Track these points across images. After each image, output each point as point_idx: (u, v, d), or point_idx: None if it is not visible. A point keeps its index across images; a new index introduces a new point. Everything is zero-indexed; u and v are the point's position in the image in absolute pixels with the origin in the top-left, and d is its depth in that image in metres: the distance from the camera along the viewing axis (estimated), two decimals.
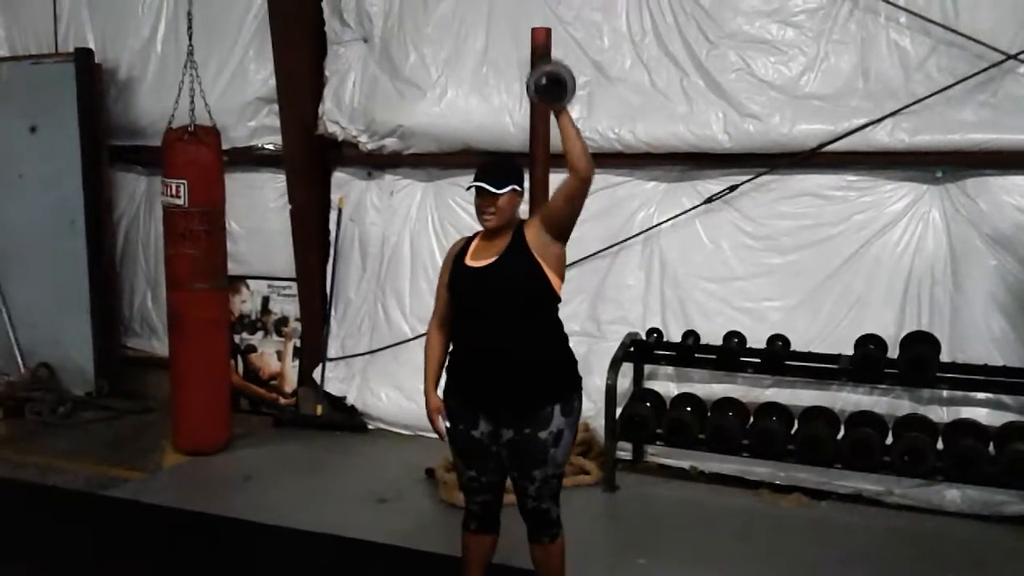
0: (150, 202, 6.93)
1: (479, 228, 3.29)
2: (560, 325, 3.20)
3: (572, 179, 2.97)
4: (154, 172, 6.49)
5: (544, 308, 3.14)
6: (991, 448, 4.45)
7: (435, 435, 3.35)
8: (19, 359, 7.00)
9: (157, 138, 5.73)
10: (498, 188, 3.10)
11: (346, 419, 6.18)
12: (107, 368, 6.88)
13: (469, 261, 3.20)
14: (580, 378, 3.28)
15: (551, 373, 3.16)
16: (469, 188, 3.16)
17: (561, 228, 3.10)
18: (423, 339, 3.46)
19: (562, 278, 3.16)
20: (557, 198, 3.10)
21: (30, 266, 6.90)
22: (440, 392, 3.32)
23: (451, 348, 3.28)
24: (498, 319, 3.09)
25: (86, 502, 4.89)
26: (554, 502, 3.25)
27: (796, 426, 4.84)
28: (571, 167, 2.95)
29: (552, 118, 3.10)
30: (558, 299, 3.17)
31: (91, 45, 6.92)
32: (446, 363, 3.30)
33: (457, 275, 3.21)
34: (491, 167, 3.18)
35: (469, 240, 3.31)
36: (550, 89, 2.94)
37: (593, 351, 5.49)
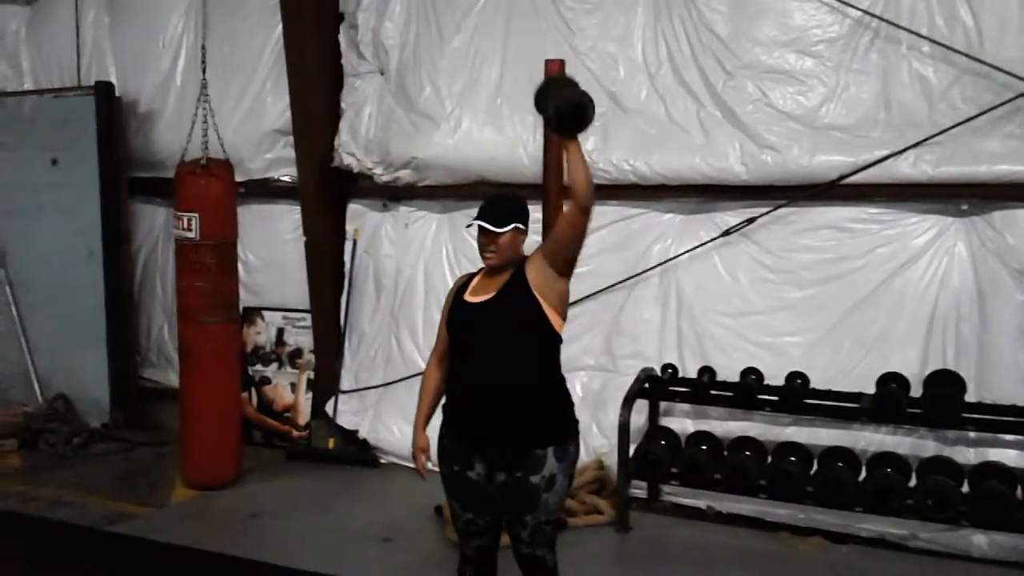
0: (168, 233, 6.94)
1: None
2: (558, 365, 3.10)
3: (573, 208, 2.88)
4: (173, 204, 6.50)
5: (541, 347, 3.05)
6: (1020, 492, 4.25)
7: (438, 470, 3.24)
8: (37, 389, 7.01)
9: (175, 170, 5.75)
10: (499, 227, 3.03)
11: (358, 453, 6.10)
12: (123, 399, 6.87)
13: (468, 297, 3.12)
14: (576, 421, 3.17)
15: (545, 415, 3.06)
16: (469, 226, 3.08)
17: (564, 262, 3.01)
18: None
19: (564, 317, 3.06)
20: (558, 230, 3.02)
21: (49, 296, 6.93)
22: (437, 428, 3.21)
23: (448, 386, 3.19)
24: (491, 357, 3.00)
25: (91, 538, 4.84)
26: (549, 550, 3.13)
27: (816, 466, 4.68)
28: (573, 194, 2.85)
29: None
30: (558, 338, 3.07)
31: (112, 78, 7.02)
32: (443, 402, 3.21)
33: (456, 311, 3.14)
34: (494, 204, 3.10)
35: (472, 276, 3.24)
36: (573, 116, 2.80)
37: (608, 386, 5.39)
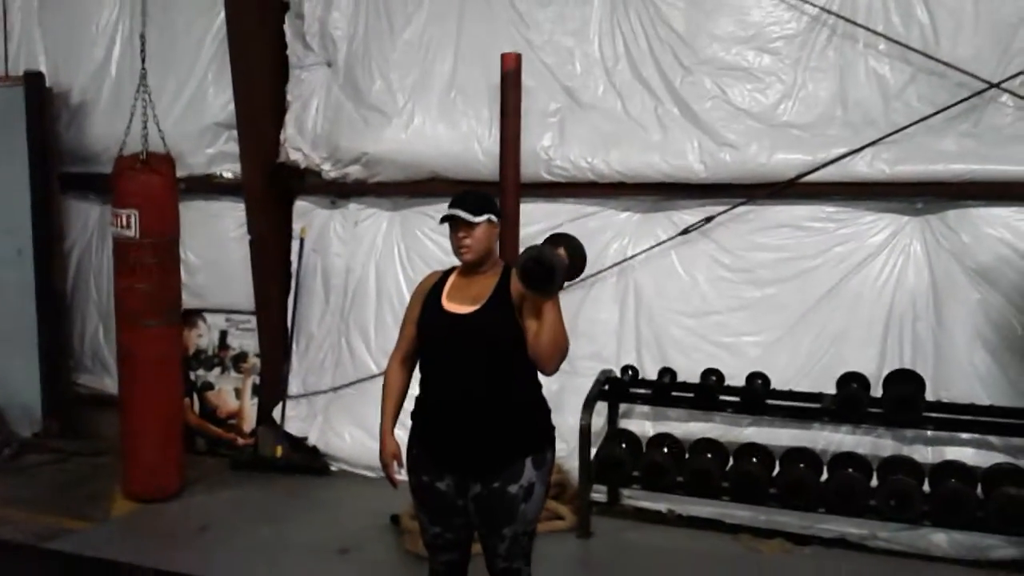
0: (103, 231, 6.62)
1: (451, 261, 3.10)
2: (534, 372, 2.98)
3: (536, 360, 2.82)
4: (108, 200, 6.15)
5: (521, 359, 2.90)
6: (979, 491, 4.28)
7: (402, 477, 3.11)
8: None
9: (111, 165, 5.44)
10: (474, 215, 2.90)
11: (307, 461, 5.89)
12: (56, 407, 6.55)
13: (447, 303, 2.98)
14: (553, 427, 3.08)
15: (523, 423, 2.96)
16: (443, 221, 2.95)
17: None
18: None
19: None
20: (529, 332, 2.84)
21: None
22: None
23: (418, 393, 3.05)
24: (473, 370, 2.88)
25: (26, 556, 4.57)
26: (525, 562, 3.03)
27: (777, 468, 4.65)
28: (537, 360, 2.80)
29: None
30: None
31: (42, 68, 6.65)
32: (413, 409, 3.07)
33: (431, 317, 2.99)
34: (464, 197, 2.99)
35: (445, 276, 3.08)
36: (534, 272, 2.67)
37: (566, 388, 5.27)
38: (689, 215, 5.14)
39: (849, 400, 4.50)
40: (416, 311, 3.05)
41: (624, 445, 4.91)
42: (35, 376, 6.48)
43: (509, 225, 4.88)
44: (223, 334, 6.38)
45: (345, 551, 4.60)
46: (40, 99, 6.39)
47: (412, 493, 3.06)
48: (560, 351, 2.77)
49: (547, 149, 5.28)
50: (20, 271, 6.44)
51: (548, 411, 3.06)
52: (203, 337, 6.42)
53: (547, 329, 2.73)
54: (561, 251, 2.81)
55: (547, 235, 2.97)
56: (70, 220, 6.80)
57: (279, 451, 5.92)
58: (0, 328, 6.49)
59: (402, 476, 3.13)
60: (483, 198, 3.02)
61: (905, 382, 4.46)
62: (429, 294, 3.04)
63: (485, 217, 2.94)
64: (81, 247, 6.84)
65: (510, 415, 2.91)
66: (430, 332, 2.99)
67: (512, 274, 2.93)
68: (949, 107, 4.58)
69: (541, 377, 2.97)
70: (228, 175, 6.28)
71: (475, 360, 2.88)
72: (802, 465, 4.55)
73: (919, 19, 4.68)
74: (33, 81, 6.38)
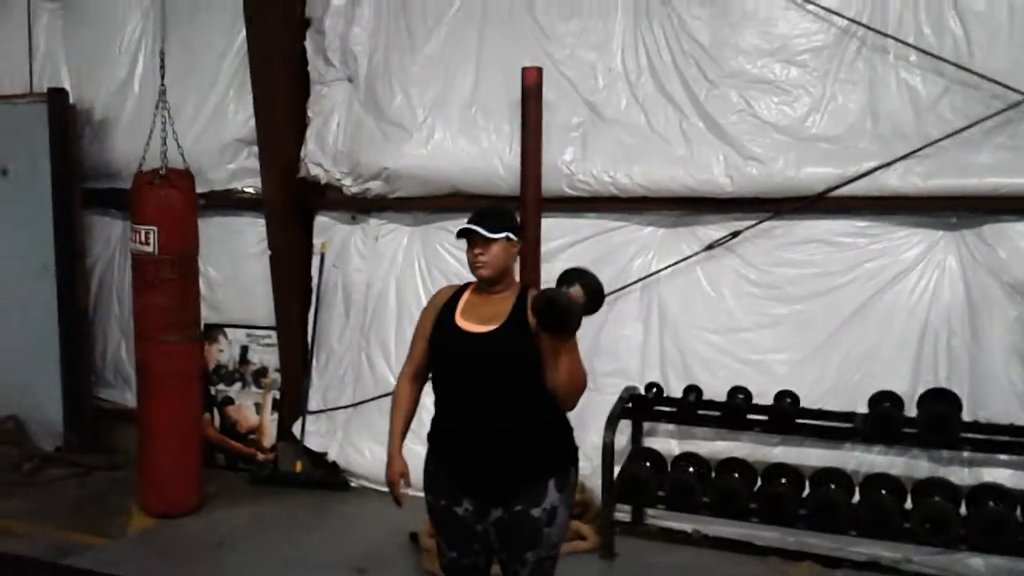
0: (126, 247, 6.56)
1: (468, 277, 3.01)
2: None
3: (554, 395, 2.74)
4: (130, 216, 6.22)
5: (540, 378, 2.80)
6: (1019, 513, 4.13)
7: (420, 494, 3.02)
8: None
9: None
10: (491, 232, 2.82)
11: (327, 476, 5.82)
12: (78, 421, 6.53)
13: (461, 320, 2.89)
14: (576, 448, 2.98)
15: (544, 443, 2.86)
16: (460, 235, 2.87)
17: None
18: None
19: None
20: (546, 366, 2.73)
21: (1, 312, 6.58)
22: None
23: (434, 414, 2.96)
24: (490, 390, 2.79)
25: (41, 572, 4.53)
26: None
27: (807, 488, 4.52)
28: (555, 394, 2.72)
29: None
30: None
31: (66, 85, 6.69)
32: (429, 431, 2.98)
33: (445, 334, 2.90)
34: (484, 213, 2.91)
35: (459, 291, 3.00)
36: (545, 311, 2.58)
37: (589, 405, 5.08)
38: (715, 230, 5.04)
39: (882, 419, 4.38)
40: (428, 327, 2.97)
41: (648, 464, 4.81)
42: (57, 390, 6.47)
43: (530, 241, 4.81)
44: (244, 349, 6.35)
45: (362, 570, 4.52)
46: (63, 115, 6.40)
47: (429, 514, 2.98)
48: (577, 390, 2.70)
49: (569, 164, 5.21)
50: (44, 287, 6.44)
51: (570, 430, 2.97)
52: (224, 352, 6.39)
53: (563, 370, 2.65)
54: (577, 289, 2.68)
55: (564, 270, 2.83)
56: (93, 236, 6.80)
57: (299, 466, 5.87)
58: (24, 343, 6.50)
59: (416, 493, 3.04)
60: (503, 215, 2.93)
61: (940, 401, 4.33)
62: (442, 310, 2.95)
63: (503, 234, 2.85)
64: (104, 263, 6.85)
65: (529, 436, 2.82)
66: (444, 350, 2.91)
67: (530, 293, 2.85)
68: (984, 120, 4.45)
69: None
70: (249, 190, 6.26)
71: (492, 380, 2.79)
72: (832, 486, 4.42)
73: (952, 30, 4.56)
74: (56, 97, 6.41)
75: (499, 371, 2.79)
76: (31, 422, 6.53)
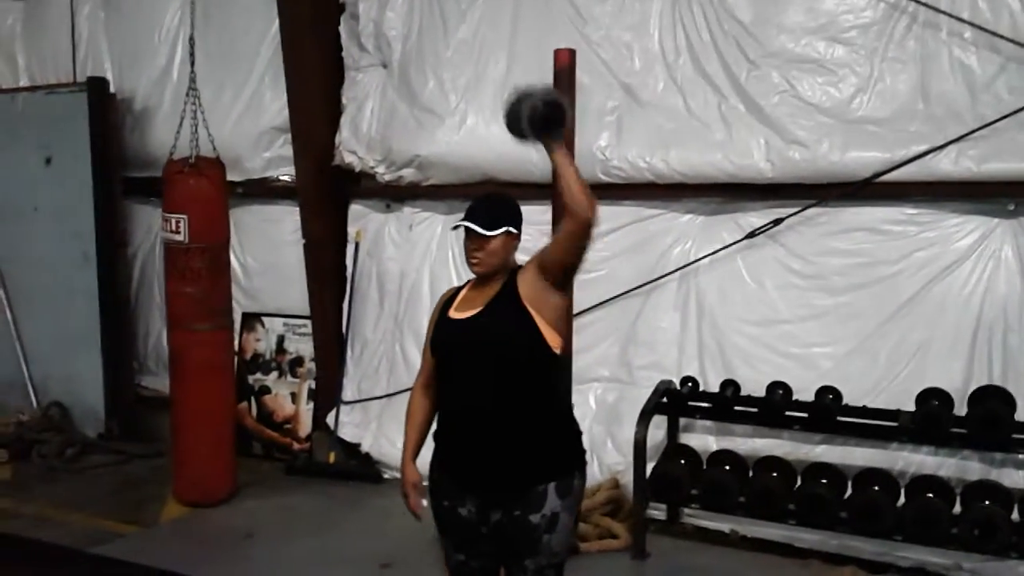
0: None
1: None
2: (558, 389, 2.76)
3: (570, 222, 2.53)
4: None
5: (536, 368, 2.69)
6: None
7: None
8: (33, 397, 6.79)
9: None
10: (488, 229, 2.68)
11: (360, 468, 5.78)
12: (119, 408, 6.60)
13: (453, 313, 2.78)
14: (583, 452, 2.84)
15: (544, 442, 2.72)
16: (455, 228, 2.75)
17: (561, 275, 2.66)
18: None
19: (562, 334, 2.73)
20: (555, 242, 2.65)
21: (44, 300, 6.71)
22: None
23: (438, 414, 2.86)
24: (481, 380, 2.66)
25: (72, 560, 4.56)
26: None
27: (850, 490, 4.30)
28: (567, 210, 2.51)
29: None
30: (555, 357, 2.71)
31: (108, 74, 6.75)
32: (435, 429, 2.88)
33: (440, 329, 2.81)
34: (482, 205, 2.77)
35: (459, 289, 2.90)
36: (545, 119, 2.49)
37: (623, 399, 5.06)
38: (756, 217, 4.83)
39: (930, 418, 4.13)
40: (431, 331, 2.87)
41: (683, 461, 4.64)
42: (99, 378, 6.54)
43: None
44: (280, 338, 6.33)
45: (387, 565, 4.44)
46: (103, 104, 6.46)
47: (435, 517, 2.87)
48: (584, 189, 2.48)
49: (604, 149, 5.04)
50: (86, 275, 6.52)
51: (577, 432, 2.83)
52: (261, 341, 6.39)
53: (560, 173, 2.50)
54: (535, 100, 2.50)
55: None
56: (134, 225, 6.86)
57: (333, 457, 5.84)
58: (66, 331, 6.60)
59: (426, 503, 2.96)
60: (502, 207, 2.78)
61: (993, 400, 4.07)
62: (442, 310, 2.85)
63: (502, 230, 2.70)
64: (145, 251, 6.89)
65: (527, 430, 2.68)
66: (438, 344, 2.81)
67: (519, 273, 2.72)
68: None
69: (573, 395, 2.76)
70: (285, 178, 6.22)
71: (482, 366, 2.67)
72: (876, 488, 4.19)
73: (1009, 4, 4.28)
74: (96, 86, 6.46)
75: (487, 353, 2.67)
76: (74, 409, 6.63)
